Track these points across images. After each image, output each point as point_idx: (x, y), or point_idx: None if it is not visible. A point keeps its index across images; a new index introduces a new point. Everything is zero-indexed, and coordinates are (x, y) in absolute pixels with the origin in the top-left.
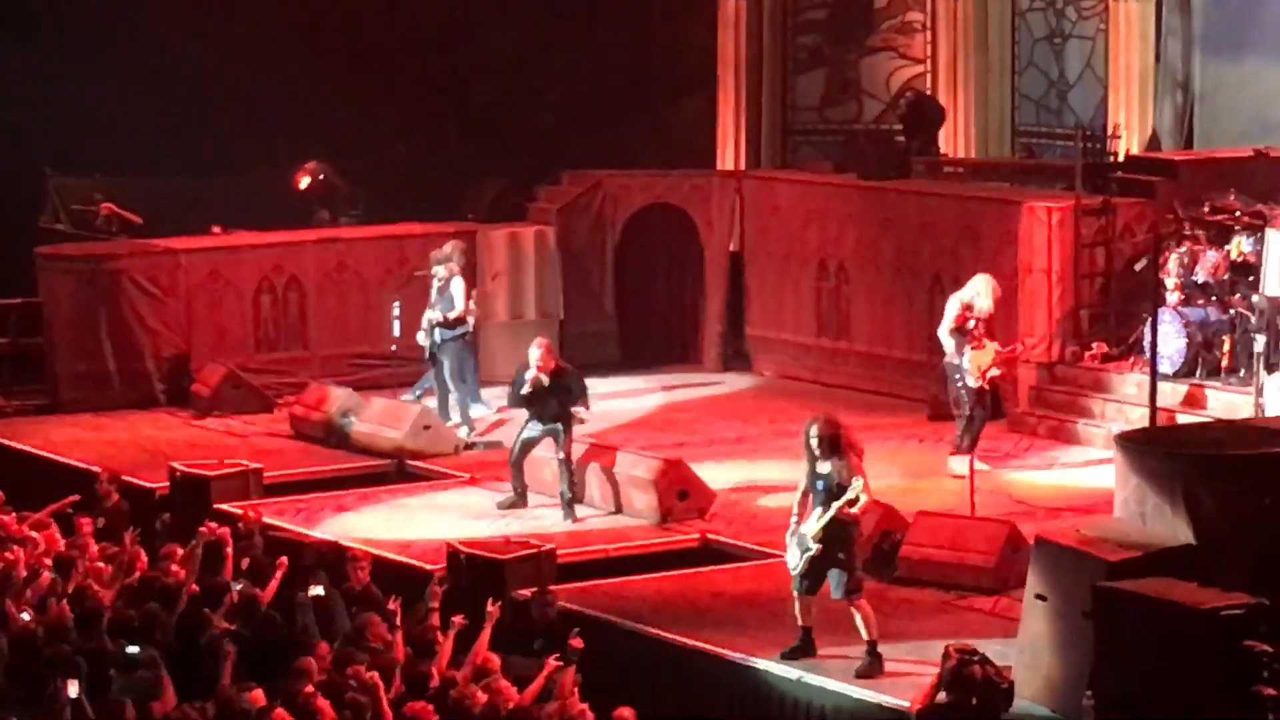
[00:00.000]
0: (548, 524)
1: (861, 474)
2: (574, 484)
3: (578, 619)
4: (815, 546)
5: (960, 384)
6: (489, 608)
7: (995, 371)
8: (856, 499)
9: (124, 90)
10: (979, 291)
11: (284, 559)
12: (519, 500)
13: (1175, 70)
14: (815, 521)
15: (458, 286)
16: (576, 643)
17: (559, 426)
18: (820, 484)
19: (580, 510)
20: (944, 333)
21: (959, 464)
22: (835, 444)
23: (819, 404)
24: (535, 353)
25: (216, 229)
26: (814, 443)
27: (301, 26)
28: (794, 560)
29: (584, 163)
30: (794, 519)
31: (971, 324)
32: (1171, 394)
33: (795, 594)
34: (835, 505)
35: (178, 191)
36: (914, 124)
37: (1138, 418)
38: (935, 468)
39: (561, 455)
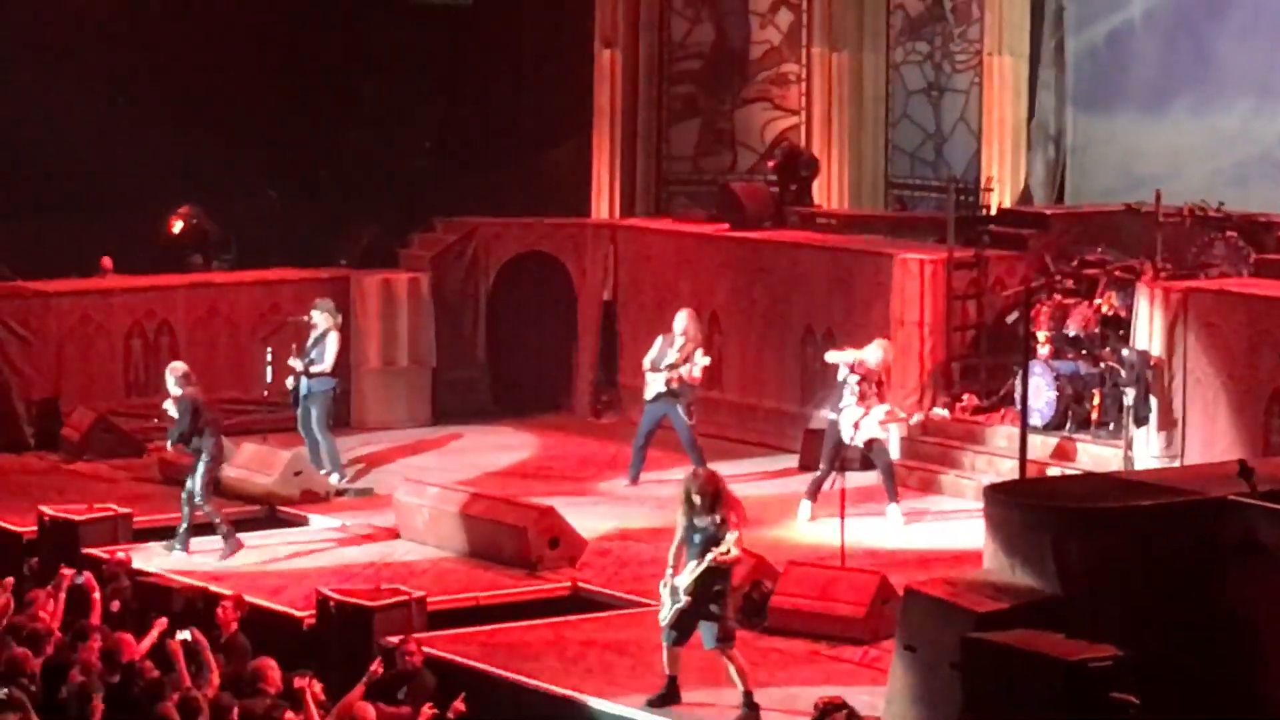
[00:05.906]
0: (417, 570)
1: (736, 528)
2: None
3: (447, 667)
4: (686, 599)
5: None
6: (373, 666)
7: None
8: (729, 551)
9: None
10: (869, 349)
11: (162, 618)
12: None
13: (1048, 124)
14: (688, 574)
15: (333, 341)
16: (459, 706)
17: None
18: (696, 536)
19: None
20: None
21: (805, 509)
22: (714, 498)
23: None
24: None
25: (106, 261)
26: (696, 498)
27: (174, 70)
28: (665, 612)
29: (458, 210)
30: (669, 570)
31: (857, 380)
32: (1041, 446)
33: (664, 644)
34: (709, 557)
35: (50, 235)
36: (788, 175)
37: (1008, 470)
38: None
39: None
